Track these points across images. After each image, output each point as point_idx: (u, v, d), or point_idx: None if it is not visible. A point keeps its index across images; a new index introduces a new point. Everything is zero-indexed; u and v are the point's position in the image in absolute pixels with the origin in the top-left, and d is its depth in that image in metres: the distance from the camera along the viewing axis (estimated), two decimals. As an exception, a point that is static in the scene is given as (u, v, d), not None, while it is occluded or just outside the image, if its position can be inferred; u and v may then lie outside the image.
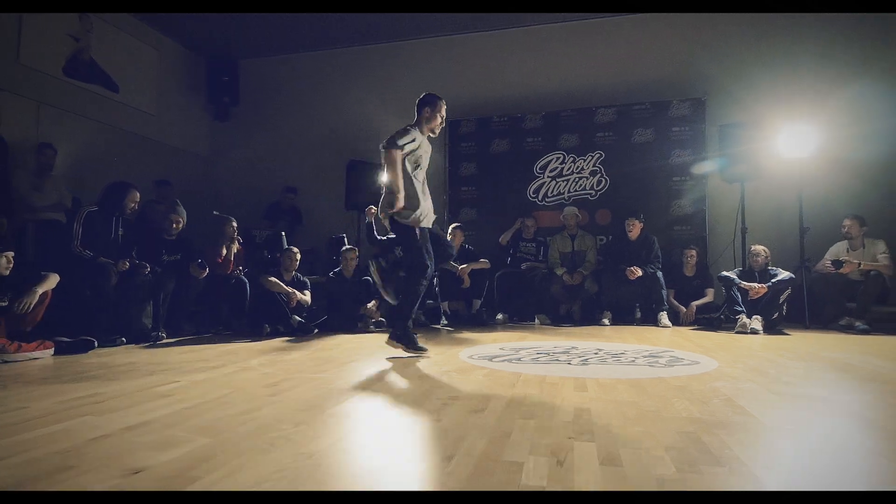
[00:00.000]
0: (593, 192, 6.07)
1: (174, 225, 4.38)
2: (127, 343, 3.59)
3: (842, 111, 5.25)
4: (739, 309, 4.43)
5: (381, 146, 2.93)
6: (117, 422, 1.57)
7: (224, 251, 4.56)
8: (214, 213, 4.94)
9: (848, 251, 4.72)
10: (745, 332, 4.20)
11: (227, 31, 6.55)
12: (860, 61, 5.44)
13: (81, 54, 5.60)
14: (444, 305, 5.18)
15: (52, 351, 3.04)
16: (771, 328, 4.36)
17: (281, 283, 4.42)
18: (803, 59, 5.66)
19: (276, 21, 6.26)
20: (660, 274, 5.02)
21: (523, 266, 5.44)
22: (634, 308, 5.33)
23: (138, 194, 4.06)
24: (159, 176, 5.84)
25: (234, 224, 4.68)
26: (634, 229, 5.18)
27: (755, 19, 5.83)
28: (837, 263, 4.57)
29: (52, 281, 3.28)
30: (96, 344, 3.29)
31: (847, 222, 4.71)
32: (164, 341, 3.77)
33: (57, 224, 4.55)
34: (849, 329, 4.39)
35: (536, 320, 5.20)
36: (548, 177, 6.21)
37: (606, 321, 4.95)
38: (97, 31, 5.74)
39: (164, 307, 4.04)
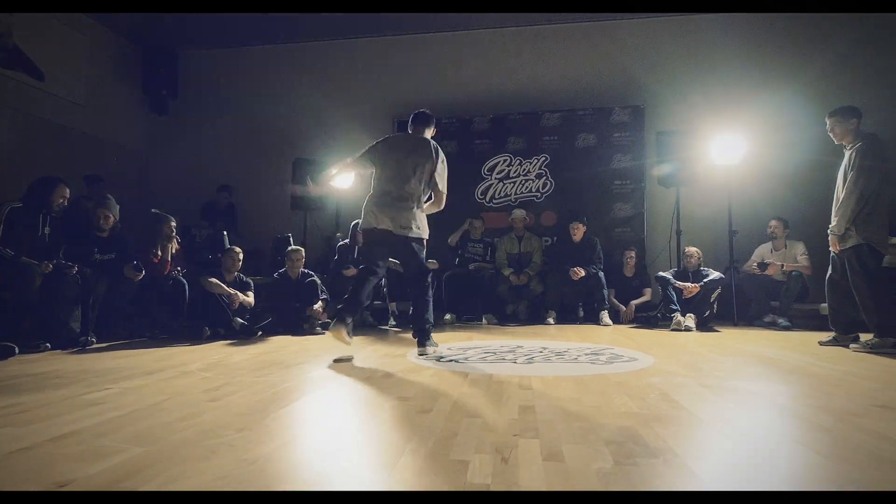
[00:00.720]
0: (539, 195, 6.21)
1: (102, 220, 4.13)
2: (52, 349, 3.36)
3: (768, 121, 5.61)
4: (675, 307, 4.65)
5: (437, 186, 3.13)
6: (41, 433, 1.47)
7: (161, 251, 4.35)
8: (153, 210, 4.71)
9: (772, 252, 5.06)
10: (680, 330, 4.42)
11: (163, 19, 6.23)
12: (784, 73, 5.83)
13: (2, 39, 5.20)
14: (392, 306, 5.16)
15: (-35, 358, 2.81)
16: (703, 325, 4.60)
17: (222, 284, 4.27)
18: (732, 71, 6.02)
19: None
20: (601, 274, 5.20)
21: (471, 266, 5.50)
22: (578, 307, 5.50)
23: (67, 190, 3.80)
24: (90, 171, 5.50)
25: (173, 223, 4.48)
26: (578, 232, 5.35)
27: (689, 30, 6.16)
28: (763, 266, 4.90)
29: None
30: (17, 350, 3.07)
31: (773, 223, 5.06)
32: (95, 346, 3.55)
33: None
34: (772, 325, 4.71)
35: (484, 320, 5.27)
36: (495, 178, 6.31)
37: (551, 320, 5.08)
38: (21, 15, 5.34)
39: (94, 310, 3.81)
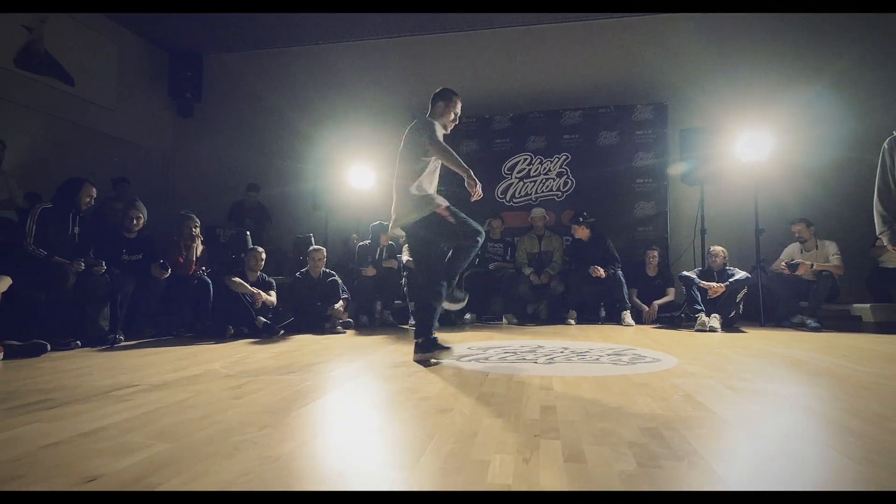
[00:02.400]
0: (560, 194, 6.16)
1: (134, 221, 4.24)
2: (82, 346, 3.45)
3: (794, 117, 5.48)
4: (699, 307, 4.57)
5: (426, 142, 2.79)
6: (70, 428, 1.51)
7: (186, 251, 4.44)
8: (181, 212, 4.81)
9: (802, 252, 4.93)
10: (704, 330, 4.34)
11: (189, 25, 6.37)
12: (812, 69, 5.69)
13: (34, 45, 5.36)
14: (412, 306, 5.16)
15: (1, 355, 2.90)
16: (728, 326, 4.51)
17: (245, 284, 4.33)
18: (758, 67, 5.90)
19: (241, 16, 6.13)
20: (620, 273, 5.14)
21: (491, 266, 5.48)
22: (599, 307, 5.44)
23: (94, 189, 3.91)
24: (118, 173, 5.64)
25: (197, 223, 4.56)
26: (577, 232, 5.30)
27: (714, 26, 6.04)
28: (793, 266, 4.78)
29: (3, 284, 3.13)
30: (49, 348, 3.16)
31: (797, 227, 4.91)
32: (123, 344, 3.64)
33: (7, 222, 4.35)
34: (801, 327, 4.58)
35: (504, 320, 5.24)
36: (515, 177, 6.28)
37: (572, 320, 5.03)
38: (51, 22, 5.50)
39: (122, 309, 3.91)
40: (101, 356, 3.10)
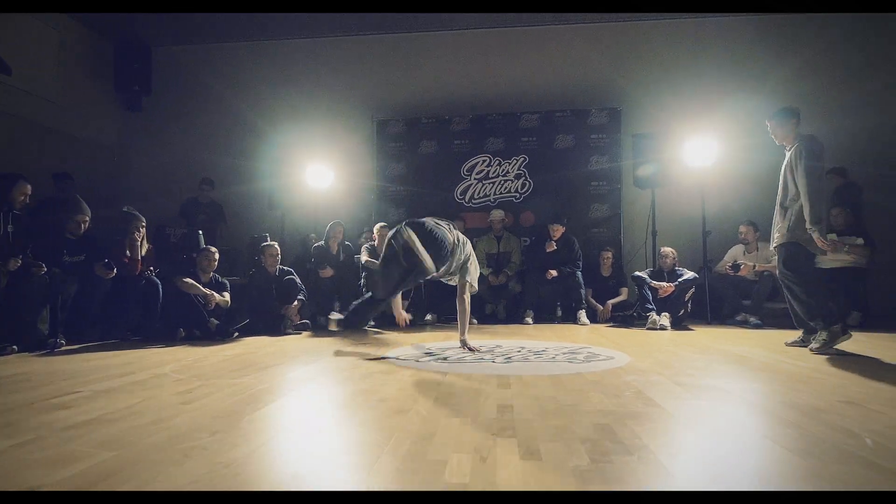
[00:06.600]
0: (518, 195, 6.24)
1: (82, 227, 4.05)
2: (19, 351, 3.26)
3: (740, 123, 5.72)
4: (650, 307, 4.72)
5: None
6: (6, 438, 1.43)
7: (130, 250, 4.25)
8: (125, 209, 4.60)
9: (745, 253, 5.17)
10: (655, 328, 4.49)
11: (134, 14, 6.06)
12: (757, 77, 5.97)
13: (-35, 31, 5.02)
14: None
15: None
16: (677, 324, 4.69)
17: (197, 285, 4.19)
18: (705, 75, 6.15)
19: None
20: (579, 274, 5.26)
21: (450, 267, 5.50)
22: (556, 307, 5.55)
23: (29, 186, 3.68)
24: (60, 168, 5.34)
25: (143, 222, 4.38)
26: (556, 232, 5.39)
27: (665, 33, 6.27)
28: (736, 267, 5.01)
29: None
30: (-19, 353, 2.97)
31: (743, 229, 5.16)
32: (64, 349, 3.46)
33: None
34: (744, 324, 4.81)
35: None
36: (474, 179, 6.32)
37: (529, 320, 5.11)
38: (-16, 8, 5.15)
39: (63, 311, 3.71)
40: (39, 361, 2.93)
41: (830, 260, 4.40)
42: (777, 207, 3.44)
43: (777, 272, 3.35)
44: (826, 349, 3.08)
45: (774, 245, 3.43)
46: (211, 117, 6.84)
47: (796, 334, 3.54)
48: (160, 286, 4.24)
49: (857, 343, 3.27)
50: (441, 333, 4.32)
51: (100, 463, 1.23)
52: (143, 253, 4.37)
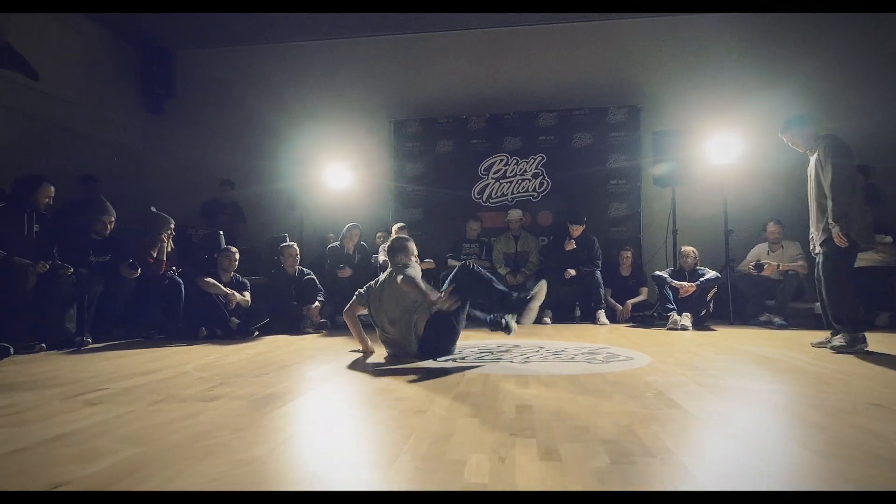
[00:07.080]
0: (535, 194, 6.21)
1: (108, 227, 4.14)
2: (47, 349, 3.34)
3: (763, 120, 5.58)
4: (671, 307, 4.66)
5: None
6: (35, 434, 1.47)
7: (156, 251, 4.34)
8: (152, 209, 4.69)
9: (768, 252, 5.07)
10: (676, 329, 4.43)
11: (160, 19, 6.18)
12: (779, 73, 5.85)
13: (-4, 37, 5.16)
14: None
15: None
16: (699, 324, 4.61)
17: (218, 284, 4.25)
18: (727, 71, 6.04)
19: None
20: (598, 273, 5.21)
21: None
22: (574, 307, 5.50)
23: (52, 188, 3.77)
24: (86, 170, 5.46)
25: (172, 223, 4.47)
26: (576, 232, 5.35)
27: (685, 30, 6.17)
28: (759, 267, 4.91)
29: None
30: (12, 351, 3.05)
31: (772, 227, 5.04)
32: (90, 347, 3.54)
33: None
34: (768, 324, 4.71)
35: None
36: (492, 178, 6.30)
37: (548, 320, 5.08)
38: (16, 15, 5.29)
39: (89, 310, 3.80)
40: (67, 359, 3.01)
41: (860, 259, 4.29)
42: (814, 205, 3.29)
43: (818, 269, 3.25)
44: (845, 351, 3.05)
45: (818, 242, 3.28)
46: (231, 119, 6.94)
47: (823, 335, 3.44)
48: (182, 286, 4.32)
49: (885, 343, 3.18)
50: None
51: (125, 459, 1.25)
52: (167, 250, 4.46)
